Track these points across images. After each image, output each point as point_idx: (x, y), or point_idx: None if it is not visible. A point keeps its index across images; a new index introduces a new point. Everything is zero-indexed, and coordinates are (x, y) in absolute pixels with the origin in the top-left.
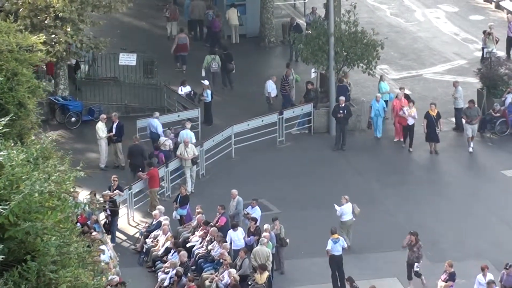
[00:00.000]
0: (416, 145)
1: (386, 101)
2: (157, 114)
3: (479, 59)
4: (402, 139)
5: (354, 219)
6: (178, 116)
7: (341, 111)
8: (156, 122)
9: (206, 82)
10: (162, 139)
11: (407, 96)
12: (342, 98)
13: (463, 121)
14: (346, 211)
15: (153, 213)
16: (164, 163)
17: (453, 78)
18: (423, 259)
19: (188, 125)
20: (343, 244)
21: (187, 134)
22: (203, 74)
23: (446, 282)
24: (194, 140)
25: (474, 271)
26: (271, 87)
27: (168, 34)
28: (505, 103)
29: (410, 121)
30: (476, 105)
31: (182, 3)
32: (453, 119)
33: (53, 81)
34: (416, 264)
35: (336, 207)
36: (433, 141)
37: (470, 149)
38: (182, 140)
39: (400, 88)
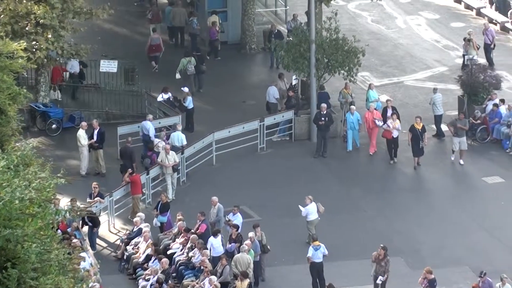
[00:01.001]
0: (397, 152)
1: (375, 109)
2: (150, 116)
3: (460, 66)
4: (370, 151)
5: (319, 218)
6: (159, 123)
7: (322, 118)
8: (149, 124)
9: (186, 89)
10: (156, 140)
11: (394, 109)
12: (324, 105)
13: (444, 129)
14: (311, 211)
15: (134, 220)
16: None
17: (434, 85)
18: (404, 267)
19: (179, 127)
20: (324, 251)
21: (178, 136)
22: (178, 76)
23: None
24: (185, 142)
25: (454, 278)
26: (277, 93)
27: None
28: (486, 110)
29: (395, 134)
30: (465, 118)
31: (163, 7)
32: (433, 126)
33: (58, 90)
34: (380, 277)
35: (301, 208)
36: (418, 155)
37: (452, 158)
38: (173, 142)
39: (387, 100)
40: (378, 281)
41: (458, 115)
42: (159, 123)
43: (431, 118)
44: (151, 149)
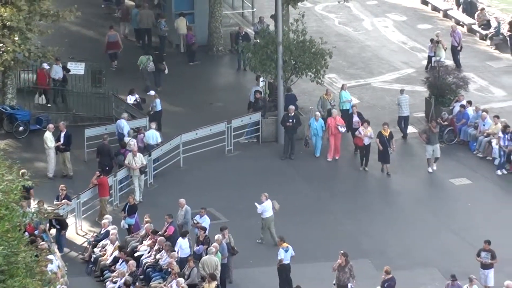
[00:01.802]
0: (368, 161)
1: (347, 110)
2: (125, 115)
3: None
4: (334, 156)
5: (273, 215)
6: None
7: (290, 120)
8: (124, 123)
9: (152, 92)
10: (127, 139)
11: (360, 116)
12: (292, 107)
13: (410, 130)
14: (266, 208)
15: (102, 222)
16: None
17: (401, 87)
18: (371, 269)
19: (153, 125)
20: (292, 253)
21: (153, 134)
22: (140, 68)
23: None
24: (159, 140)
25: (422, 280)
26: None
27: (121, 35)
28: (453, 112)
29: (366, 141)
30: (437, 125)
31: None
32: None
33: (42, 96)
34: (350, 285)
35: (257, 205)
36: (384, 162)
37: (430, 170)
38: (148, 140)
39: (353, 106)
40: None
41: (430, 123)
42: None
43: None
44: (124, 147)
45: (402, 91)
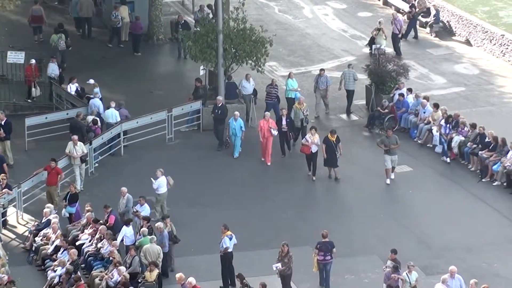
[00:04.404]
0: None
1: (293, 98)
2: (98, 94)
3: (367, 56)
4: (266, 161)
5: (167, 191)
6: (67, 114)
7: (216, 111)
8: (98, 102)
9: (91, 81)
10: (90, 117)
11: (288, 118)
12: (219, 98)
13: (364, 122)
14: (161, 184)
15: (44, 211)
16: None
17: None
18: (312, 256)
19: (113, 104)
20: (235, 241)
21: (112, 113)
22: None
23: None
24: (118, 119)
25: (362, 267)
26: (250, 86)
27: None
28: (393, 99)
29: (314, 149)
30: (394, 135)
31: None
32: (343, 116)
33: (37, 87)
34: (274, 265)
35: (153, 180)
36: (332, 166)
37: (388, 181)
38: (107, 119)
39: (282, 109)
40: (274, 268)
41: (386, 132)
42: (67, 114)
43: (341, 107)
44: (95, 123)
45: (349, 66)
